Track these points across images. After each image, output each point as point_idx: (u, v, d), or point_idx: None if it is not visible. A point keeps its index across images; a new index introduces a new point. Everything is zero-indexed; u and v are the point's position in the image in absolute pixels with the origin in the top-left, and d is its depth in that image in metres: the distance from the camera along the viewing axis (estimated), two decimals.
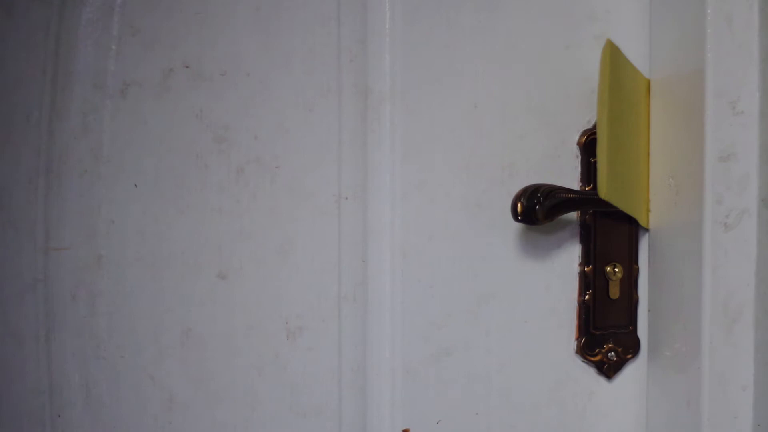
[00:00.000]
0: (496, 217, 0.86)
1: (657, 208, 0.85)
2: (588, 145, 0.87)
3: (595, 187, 0.87)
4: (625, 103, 0.83)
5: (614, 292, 0.88)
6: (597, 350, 0.89)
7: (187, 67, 0.90)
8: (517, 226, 0.87)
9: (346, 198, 0.87)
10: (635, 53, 0.87)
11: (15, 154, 0.94)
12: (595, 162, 0.87)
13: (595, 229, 0.88)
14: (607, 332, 0.89)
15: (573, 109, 0.88)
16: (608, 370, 0.89)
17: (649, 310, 0.89)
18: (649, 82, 0.86)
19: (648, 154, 0.86)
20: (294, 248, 0.88)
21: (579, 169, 0.88)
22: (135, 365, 0.91)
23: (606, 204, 0.81)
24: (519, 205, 0.80)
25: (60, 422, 0.93)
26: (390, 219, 0.85)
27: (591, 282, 0.88)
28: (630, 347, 0.89)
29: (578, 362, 0.89)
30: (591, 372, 0.90)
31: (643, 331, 0.89)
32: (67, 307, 0.92)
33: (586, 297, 0.88)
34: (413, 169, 0.85)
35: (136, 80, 0.91)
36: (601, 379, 0.90)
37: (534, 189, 0.81)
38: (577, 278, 0.89)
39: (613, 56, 0.80)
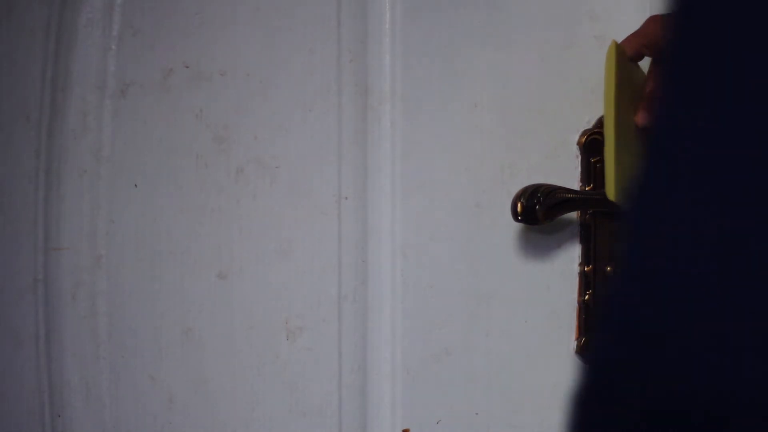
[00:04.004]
0: (496, 217, 0.86)
1: None
2: (588, 145, 0.87)
3: (595, 187, 0.87)
4: (631, 104, 0.83)
5: None
6: None
7: (187, 67, 0.90)
8: (517, 226, 0.87)
9: (346, 198, 0.87)
10: None
11: (15, 154, 0.94)
12: (595, 162, 0.87)
13: (595, 229, 0.88)
14: None
15: (573, 109, 0.87)
16: None
17: None
18: None
19: None
20: (294, 248, 0.88)
21: (579, 169, 0.88)
22: (135, 365, 0.91)
23: (606, 204, 0.81)
24: (519, 205, 0.80)
25: (60, 422, 0.93)
26: (390, 219, 0.85)
27: (591, 282, 0.88)
28: None
29: (578, 362, 0.89)
30: None
31: None
32: (67, 307, 0.92)
33: (586, 297, 0.88)
34: (413, 169, 0.85)
35: (136, 80, 0.91)
36: None
37: (534, 189, 0.81)
38: (577, 278, 0.89)
39: (618, 57, 0.80)
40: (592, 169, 0.87)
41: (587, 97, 0.87)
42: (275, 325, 0.88)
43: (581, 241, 0.88)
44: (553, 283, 0.88)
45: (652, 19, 0.81)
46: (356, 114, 0.86)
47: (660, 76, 0.49)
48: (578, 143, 0.88)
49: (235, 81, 0.88)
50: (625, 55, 0.83)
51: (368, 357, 0.87)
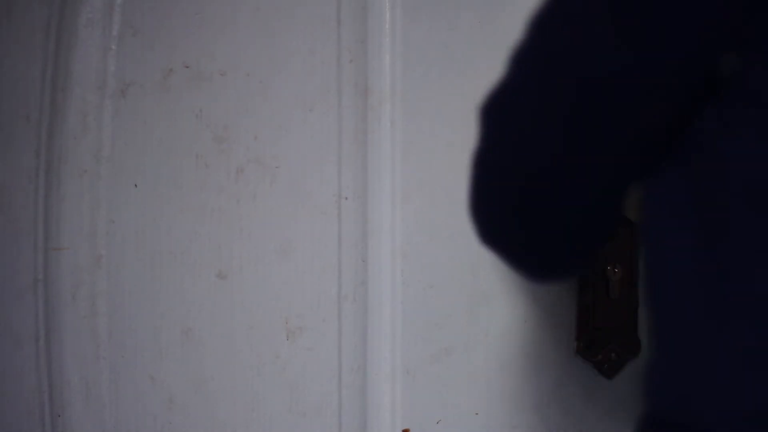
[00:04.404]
0: None
1: None
2: None
3: None
4: None
5: (614, 292, 0.88)
6: (597, 350, 0.89)
7: (187, 67, 0.90)
8: None
9: (346, 198, 0.87)
10: None
11: (15, 154, 0.94)
12: None
13: None
14: (607, 332, 0.89)
15: None
16: (608, 369, 0.89)
17: None
18: None
19: None
20: (294, 248, 0.88)
21: None
22: (135, 365, 0.91)
23: None
24: None
25: (60, 422, 0.93)
26: (390, 219, 0.85)
27: (591, 282, 0.88)
28: (630, 347, 0.89)
29: (578, 362, 0.89)
30: (591, 372, 0.90)
31: (643, 331, 0.89)
32: (67, 307, 0.92)
33: (586, 297, 0.88)
34: (413, 169, 0.85)
35: (136, 80, 0.91)
36: (602, 379, 0.90)
37: None
38: (577, 278, 0.89)
39: None
40: None
41: None
42: (275, 325, 0.88)
43: None
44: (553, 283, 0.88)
45: None
46: (356, 114, 0.86)
47: None
48: None
49: (235, 81, 0.88)
50: None
51: (368, 357, 0.87)
